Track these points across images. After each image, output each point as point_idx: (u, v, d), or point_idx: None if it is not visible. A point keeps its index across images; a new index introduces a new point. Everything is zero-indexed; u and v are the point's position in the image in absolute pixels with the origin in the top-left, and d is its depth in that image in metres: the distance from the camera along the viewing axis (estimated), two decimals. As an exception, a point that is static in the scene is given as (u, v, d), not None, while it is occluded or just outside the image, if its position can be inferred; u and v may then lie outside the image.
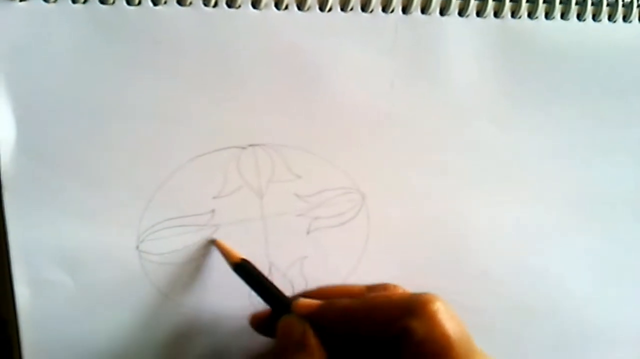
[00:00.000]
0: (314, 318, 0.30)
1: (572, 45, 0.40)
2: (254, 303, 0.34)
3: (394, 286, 0.32)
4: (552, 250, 0.40)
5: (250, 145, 0.34)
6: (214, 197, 0.33)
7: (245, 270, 0.32)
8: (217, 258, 0.33)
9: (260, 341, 0.34)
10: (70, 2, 0.29)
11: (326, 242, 0.36)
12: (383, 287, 0.32)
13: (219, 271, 0.33)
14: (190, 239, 0.33)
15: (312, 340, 0.28)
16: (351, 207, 0.36)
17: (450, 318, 0.26)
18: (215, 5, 0.31)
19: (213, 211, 0.33)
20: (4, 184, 0.29)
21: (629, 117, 0.42)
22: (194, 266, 0.33)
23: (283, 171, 0.35)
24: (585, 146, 0.41)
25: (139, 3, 0.30)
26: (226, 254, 0.33)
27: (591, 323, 0.41)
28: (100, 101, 0.31)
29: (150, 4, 0.30)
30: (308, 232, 0.35)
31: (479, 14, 0.37)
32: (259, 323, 0.33)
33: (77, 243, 0.31)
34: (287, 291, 0.35)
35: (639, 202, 0.42)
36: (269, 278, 0.34)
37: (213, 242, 0.33)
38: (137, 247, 0.32)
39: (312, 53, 0.34)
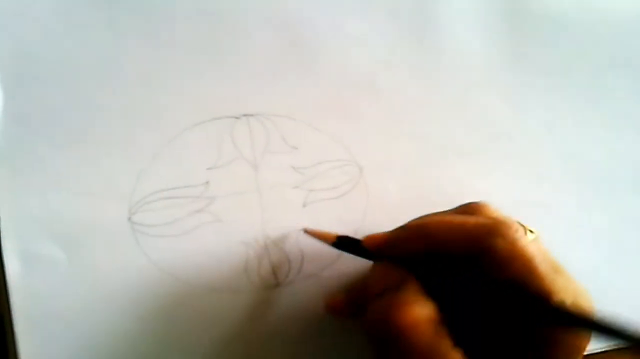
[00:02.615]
0: (388, 247, 0.29)
1: (579, 12, 0.39)
2: (249, 276, 0.34)
3: (482, 205, 0.31)
4: (552, 226, 0.40)
5: (245, 115, 0.33)
6: (208, 169, 0.33)
7: (342, 243, 0.32)
8: (211, 230, 0.33)
9: (257, 313, 0.34)
10: (56, -35, 0.28)
11: (322, 215, 0.35)
12: (468, 206, 0.31)
13: (213, 243, 0.33)
14: (184, 211, 0.32)
15: (411, 277, 0.27)
16: (348, 180, 0.35)
17: (531, 241, 0.26)
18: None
19: (207, 182, 0.33)
20: (-8, 154, 0.29)
21: (635, 88, 0.41)
22: (188, 239, 0.32)
23: (278, 142, 0.34)
24: (589, 118, 0.40)
25: (128, -34, 0.29)
26: (322, 237, 0.33)
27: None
28: (91, 68, 0.30)
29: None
30: (304, 205, 0.35)
31: (481, -20, 0.36)
32: (338, 307, 0.33)
33: (67, 215, 0.30)
34: (283, 265, 0.34)
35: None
36: (265, 250, 0.34)
37: (305, 231, 0.34)
38: (130, 219, 0.31)
39: (309, 20, 0.34)
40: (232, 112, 0.33)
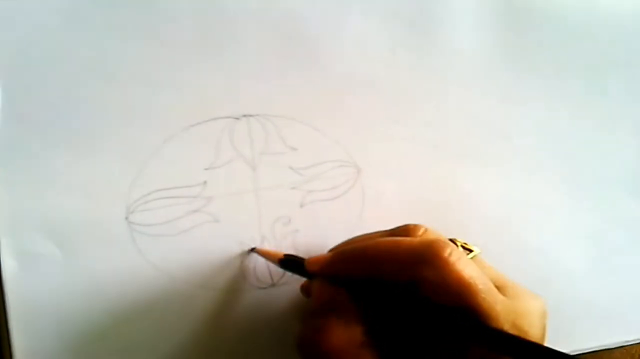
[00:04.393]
0: (327, 271, 0.29)
1: (577, 13, 0.39)
2: (245, 276, 0.34)
3: (414, 227, 0.30)
4: (547, 226, 0.40)
5: (244, 115, 0.33)
6: (206, 169, 0.32)
7: (287, 262, 0.32)
8: (208, 230, 0.33)
9: (252, 313, 0.34)
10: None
11: (320, 215, 0.35)
12: (404, 228, 0.30)
13: (210, 243, 0.33)
14: (181, 211, 0.32)
15: (344, 299, 0.27)
16: (346, 181, 0.35)
17: (466, 264, 0.25)
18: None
19: (205, 182, 0.32)
20: (-12, 152, 0.28)
21: (633, 90, 0.41)
22: (185, 238, 0.32)
23: (277, 143, 0.34)
24: (586, 120, 0.40)
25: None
26: (270, 256, 0.33)
27: (582, 300, 0.41)
28: (90, 67, 0.30)
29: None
30: (302, 206, 0.35)
31: (484, -18, 0.36)
32: (305, 290, 0.33)
33: (65, 214, 0.30)
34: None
35: (638, 180, 0.42)
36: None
37: (253, 251, 0.34)
38: (127, 218, 0.31)
39: (311, 20, 0.33)
40: (231, 113, 0.32)
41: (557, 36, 0.39)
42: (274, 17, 0.33)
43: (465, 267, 0.25)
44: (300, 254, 0.34)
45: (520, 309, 0.26)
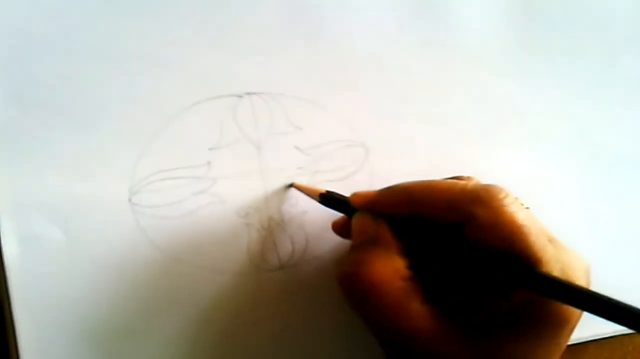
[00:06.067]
0: (373, 207, 0.29)
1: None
2: (252, 259, 0.33)
3: (467, 177, 0.31)
4: (561, 209, 0.39)
5: (247, 93, 0.32)
6: (210, 149, 0.32)
7: (328, 199, 0.32)
8: (213, 212, 0.32)
9: (259, 296, 0.33)
10: None
11: (327, 196, 0.34)
12: (455, 177, 0.31)
13: (215, 224, 0.32)
14: (186, 192, 0.31)
15: (386, 233, 0.27)
16: (353, 161, 0.35)
17: (519, 208, 0.25)
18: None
19: (209, 163, 0.32)
20: (-12, 132, 0.28)
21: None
22: (190, 220, 0.32)
23: (282, 122, 0.33)
24: (603, 100, 0.39)
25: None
26: (309, 192, 0.33)
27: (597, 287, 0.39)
28: (91, 44, 0.29)
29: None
30: (309, 187, 0.34)
31: (492, -45, 0.35)
32: (338, 227, 0.32)
33: (66, 195, 0.29)
34: (287, 247, 0.34)
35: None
36: (268, 232, 0.33)
37: (291, 186, 0.33)
38: (130, 199, 0.30)
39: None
40: (234, 91, 0.32)
41: (575, 14, 0.38)
42: (276, -8, 0.32)
43: (519, 211, 0.25)
44: (310, 236, 0.34)
45: (568, 261, 0.26)
